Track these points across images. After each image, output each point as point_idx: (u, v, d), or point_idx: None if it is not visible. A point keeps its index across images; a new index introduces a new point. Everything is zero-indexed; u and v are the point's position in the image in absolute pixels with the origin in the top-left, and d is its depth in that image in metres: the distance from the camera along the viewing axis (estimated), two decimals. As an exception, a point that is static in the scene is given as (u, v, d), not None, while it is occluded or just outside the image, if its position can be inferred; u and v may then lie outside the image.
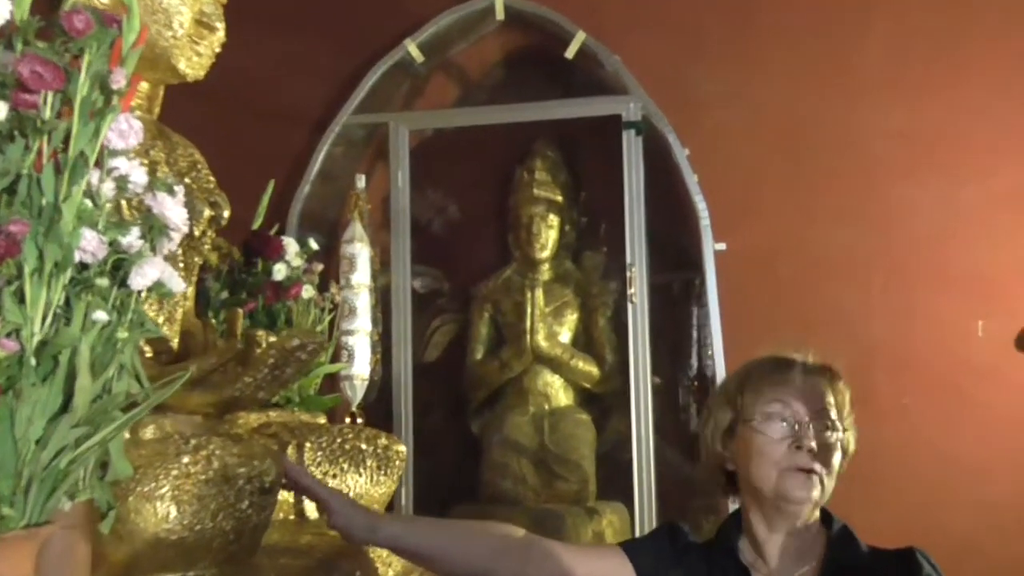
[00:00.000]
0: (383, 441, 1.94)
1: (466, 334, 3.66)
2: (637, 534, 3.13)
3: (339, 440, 1.88)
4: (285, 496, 1.79)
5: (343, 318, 2.51)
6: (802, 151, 3.43)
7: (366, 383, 2.55)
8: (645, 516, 3.13)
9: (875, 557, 1.55)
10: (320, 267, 2.57)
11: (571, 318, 3.56)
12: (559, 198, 3.58)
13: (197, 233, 1.79)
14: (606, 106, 3.35)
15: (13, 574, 1.05)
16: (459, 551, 1.52)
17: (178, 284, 1.25)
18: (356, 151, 3.67)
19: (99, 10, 1.15)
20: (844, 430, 1.54)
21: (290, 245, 2.51)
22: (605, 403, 3.54)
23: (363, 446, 1.90)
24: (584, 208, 3.65)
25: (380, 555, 1.75)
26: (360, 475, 1.88)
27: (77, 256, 1.13)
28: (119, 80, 1.11)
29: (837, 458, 1.53)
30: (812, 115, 3.43)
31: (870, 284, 3.37)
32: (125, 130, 1.18)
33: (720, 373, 3.20)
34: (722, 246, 3.28)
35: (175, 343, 1.82)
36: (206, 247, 1.89)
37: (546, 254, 3.56)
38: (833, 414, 1.54)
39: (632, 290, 3.23)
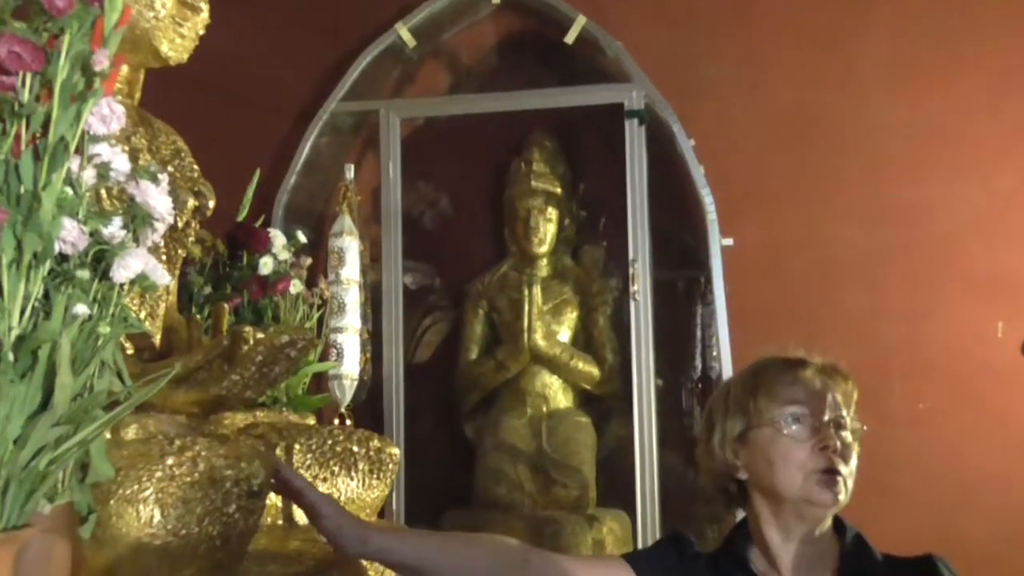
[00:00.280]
0: (376, 443, 1.94)
1: (459, 333, 3.66)
2: (639, 543, 3.14)
3: (330, 442, 1.88)
4: (273, 500, 1.79)
5: (332, 315, 2.51)
6: (813, 141, 3.43)
7: (355, 383, 2.55)
8: (647, 524, 3.14)
9: (891, 565, 1.55)
10: (308, 261, 2.57)
11: (570, 316, 3.56)
12: (558, 190, 3.58)
13: (181, 224, 1.79)
14: (607, 94, 3.35)
15: (-10, 580, 1.05)
16: (453, 566, 1.52)
17: (163, 277, 1.25)
18: (345, 140, 3.67)
19: (81, -12, 1.15)
20: (859, 432, 1.55)
21: (277, 238, 2.51)
22: (606, 405, 3.54)
23: (355, 448, 1.90)
24: (584, 201, 3.65)
25: (374, 564, 1.75)
26: (352, 479, 1.88)
27: (57, 247, 1.13)
28: (102, 62, 1.11)
29: (855, 460, 1.54)
30: (823, 104, 3.44)
31: (884, 282, 3.38)
32: (107, 115, 1.18)
33: (726, 374, 3.20)
34: (729, 241, 3.28)
35: (158, 339, 1.82)
36: (190, 239, 1.89)
37: (544, 249, 3.56)
38: (847, 413, 1.55)
39: (634, 287, 3.23)
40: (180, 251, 1.88)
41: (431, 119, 3.69)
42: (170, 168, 1.80)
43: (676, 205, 3.39)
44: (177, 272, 1.94)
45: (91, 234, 1.17)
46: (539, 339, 3.41)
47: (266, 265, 2.48)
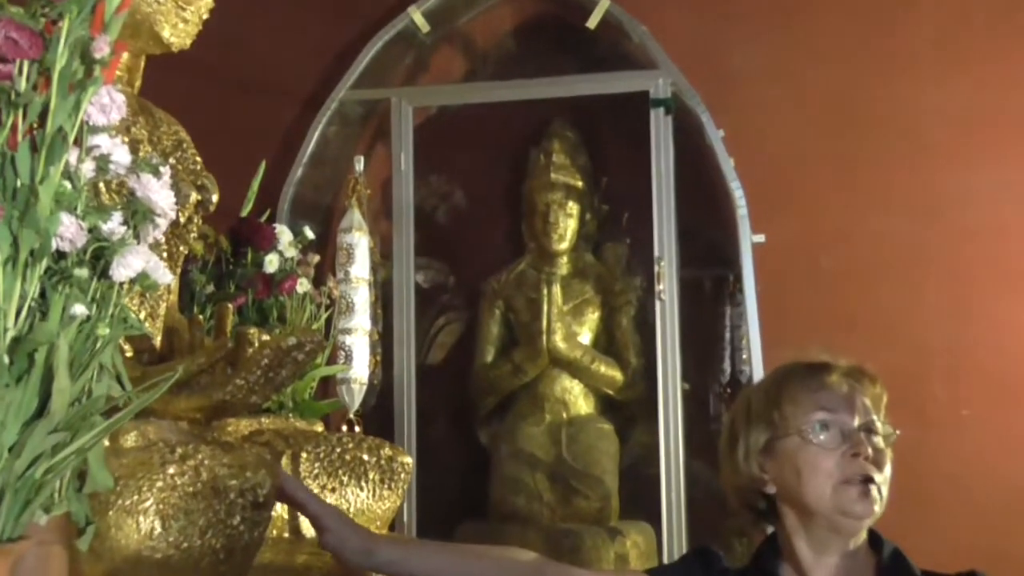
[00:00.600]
0: (387, 451, 1.95)
1: (474, 334, 3.65)
2: (664, 557, 3.13)
3: (338, 450, 1.88)
4: (279, 512, 1.79)
5: (340, 315, 2.52)
6: (852, 129, 3.41)
7: (364, 387, 2.56)
8: (673, 537, 3.13)
9: (932, 582, 1.55)
10: (316, 258, 2.57)
11: (592, 317, 3.56)
12: (579, 183, 3.57)
13: (183, 219, 1.80)
14: (632, 82, 3.34)
15: (-16, 595, 1.06)
16: None
17: (164, 276, 1.26)
18: (354, 130, 3.67)
19: (80, -30, 1.15)
20: (891, 437, 1.55)
21: (283, 234, 2.51)
22: (629, 411, 3.53)
23: (365, 457, 1.90)
24: (606, 195, 3.65)
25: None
26: (362, 489, 1.88)
27: (54, 244, 1.14)
28: (102, 48, 1.11)
29: (889, 467, 1.53)
30: (860, 92, 3.42)
31: (924, 281, 3.36)
32: (107, 104, 1.18)
33: (757, 378, 3.19)
34: (760, 238, 3.27)
35: (158, 341, 1.83)
36: (192, 235, 1.90)
37: (564, 246, 3.55)
38: (878, 418, 1.54)
39: (660, 286, 3.23)
40: (182, 248, 1.89)
41: (445, 108, 3.69)
42: (172, 160, 1.81)
43: (704, 199, 3.37)
44: (178, 270, 1.95)
45: (90, 230, 1.17)
46: (559, 341, 3.41)
47: (271, 263, 2.49)
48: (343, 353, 2.50)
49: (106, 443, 1.31)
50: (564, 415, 3.46)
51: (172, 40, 1.83)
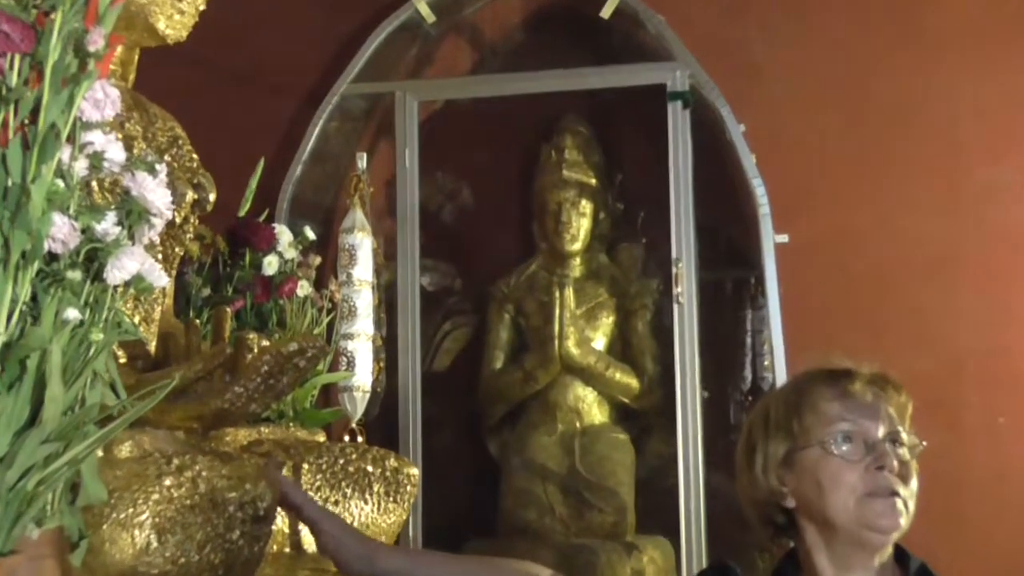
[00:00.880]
0: (392, 463, 1.95)
1: (483, 340, 3.65)
2: (683, 573, 3.13)
3: (341, 461, 1.89)
4: (280, 526, 1.80)
5: (342, 320, 2.52)
6: (877, 126, 3.41)
7: (367, 395, 2.56)
8: (692, 552, 3.13)
9: (963, 601, 1.55)
10: (317, 260, 2.58)
11: (606, 321, 3.56)
12: (592, 181, 3.57)
13: (179, 220, 1.81)
14: (648, 74, 3.34)
15: (-27, 611, 1.06)
16: None
17: (160, 278, 1.26)
18: (356, 126, 3.68)
19: (72, -40, 1.16)
20: (917, 448, 1.55)
21: (283, 234, 2.52)
22: (646, 421, 3.53)
23: (369, 468, 1.91)
24: (621, 193, 3.65)
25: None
26: (366, 502, 1.89)
27: (46, 245, 1.14)
28: (96, 41, 1.12)
29: (915, 479, 1.53)
30: (888, 83, 3.42)
31: (957, 282, 3.36)
32: (101, 99, 1.19)
33: (780, 385, 3.19)
34: (783, 238, 3.27)
35: (153, 347, 1.84)
36: (188, 236, 1.90)
37: (577, 246, 3.56)
38: (902, 429, 1.54)
39: (678, 289, 3.23)
40: (177, 249, 1.90)
41: (452, 102, 3.69)
42: (167, 157, 1.82)
43: (724, 198, 3.37)
44: (174, 273, 1.95)
45: (83, 231, 1.18)
46: (571, 347, 3.41)
47: (271, 265, 2.50)
48: (345, 359, 2.51)
49: (100, 453, 1.32)
50: (577, 424, 3.46)
51: (167, 32, 1.84)
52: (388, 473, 1.95)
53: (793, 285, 3.29)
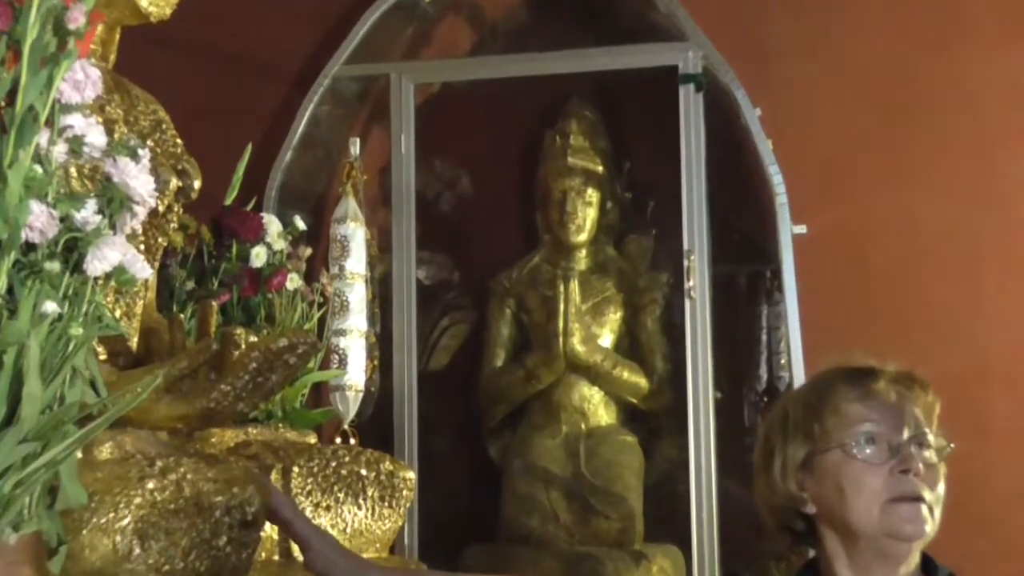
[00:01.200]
0: (387, 466, 1.96)
1: (482, 336, 3.66)
2: (694, 584, 3.14)
3: (333, 464, 1.89)
4: (269, 532, 1.80)
5: (334, 315, 2.53)
6: (901, 110, 3.41)
7: (360, 395, 2.57)
8: (704, 562, 3.14)
9: (994, 612, 1.56)
10: (307, 252, 2.58)
11: (613, 317, 3.56)
12: (599, 168, 3.58)
13: (162, 208, 1.81)
14: (658, 55, 3.35)
15: (-53, 620, 1.07)
16: None
17: (143, 270, 1.27)
18: (349, 110, 3.68)
19: (51, -67, 1.16)
20: (944, 450, 1.55)
21: (271, 224, 2.53)
22: (655, 422, 3.54)
23: (363, 471, 1.91)
24: (630, 181, 3.65)
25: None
26: (359, 507, 1.89)
27: (23, 235, 1.15)
28: (77, 19, 1.12)
29: (942, 484, 1.54)
30: (913, 65, 3.42)
31: (984, 276, 3.36)
32: (81, 80, 1.19)
33: (796, 386, 3.19)
34: (801, 229, 3.27)
35: (135, 343, 1.84)
36: (172, 226, 1.91)
37: (583, 238, 3.56)
38: (929, 431, 1.55)
39: (690, 283, 3.23)
40: (161, 240, 1.90)
41: (450, 85, 3.69)
42: (150, 142, 1.82)
43: (739, 186, 3.38)
44: (157, 264, 1.96)
45: (62, 220, 1.18)
46: (576, 344, 3.41)
47: (259, 256, 2.50)
48: (337, 357, 2.51)
49: (79, 455, 1.33)
50: (582, 426, 3.47)
51: (151, 10, 1.84)
52: (383, 477, 1.96)
53: (811, 279, 3.29)
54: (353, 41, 3.50)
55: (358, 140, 2.80)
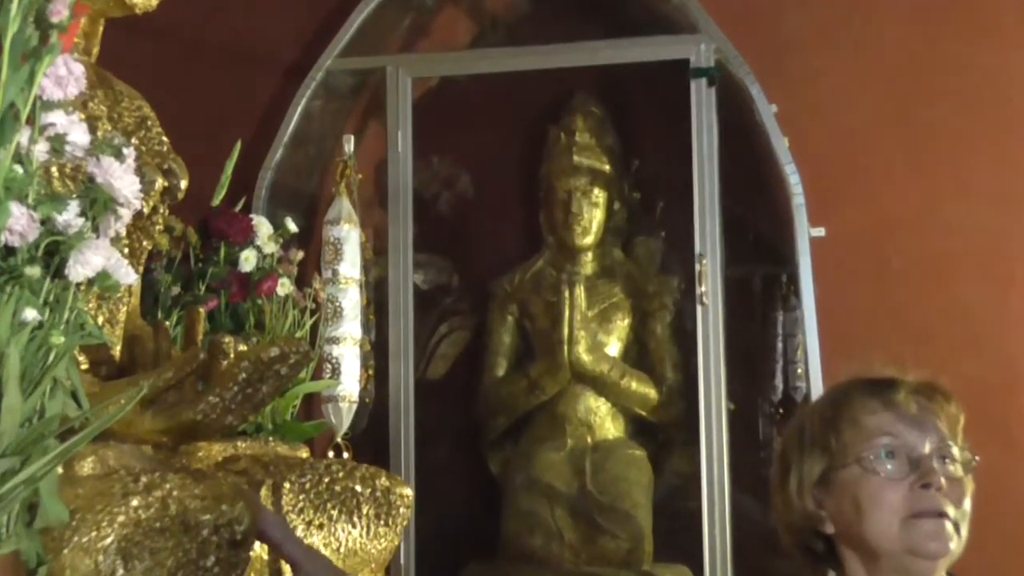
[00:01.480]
0: (383, 482, 1.96)
1: (483, 344, 3.66)
2: (706, 606, 3.14)
3: (327, 480, 1.89)
4: (258, 552, 1.80)
5: (326, 322, 2.53)
6: (923, 106, 3.41)
7: (355, 406, 2.58)
8: (717, 582, 3.14)
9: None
10: (299, 255, 2.59)
11: (621, 324, 3.56)
12: (606, 167, 3.58)
13: (147, 210, 1.81)
14: (669, 48, 3.35)
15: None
16: None
17: (127, 275, 1.27)
18: (342, 105, 3.68)
19: (32, -78, 1.17)
20: (970, 463, 1.55)
21: (261, 226, 2.53)
22: (665, 435, 3.54)
23: (358, 488, 1.91)
24: (638, 181, 3.65)
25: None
26: (354, 526, 1.89)
27: (2, 238, 1.15)
28: (60, 12, 1.13)
29: (968, 499, 1.54)
30: (936, 59, 3.42)
31: (1011, 280, 3.36)
32: (64, 76, 1.20)
33: (815, 397, 3.19)
34: (820, 231, 3.27)
35: (118, 351, 1.84)
36: (157, 228, 1.91)
37: (588, 240, 3.56)
38: (953, 443, 1.55)
39: (702, 288, 3.23)
40: (145, 243, 1.91)
41: (449, 79, 3.69)
42: (134, 140, 1.82)
43: (754, 186, 3.37)
44: (141, 269, 1.96)
45: (43, 222, 1.19)
46: (582, 353, 3.41)
47: (248, 260, 2.50)
48: (330, 366, 2.52)
49: (60, 470, 1.33)
50: (588, 439, 3.47)
51: (136, 1, 1.84)
52: (378, 493, 1.96)
53: (830, 283, 3.29)
54: (348, 32, 3.50)
55: (353, 137, 2.81)
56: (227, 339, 1.73)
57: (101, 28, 1.90)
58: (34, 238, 1.17)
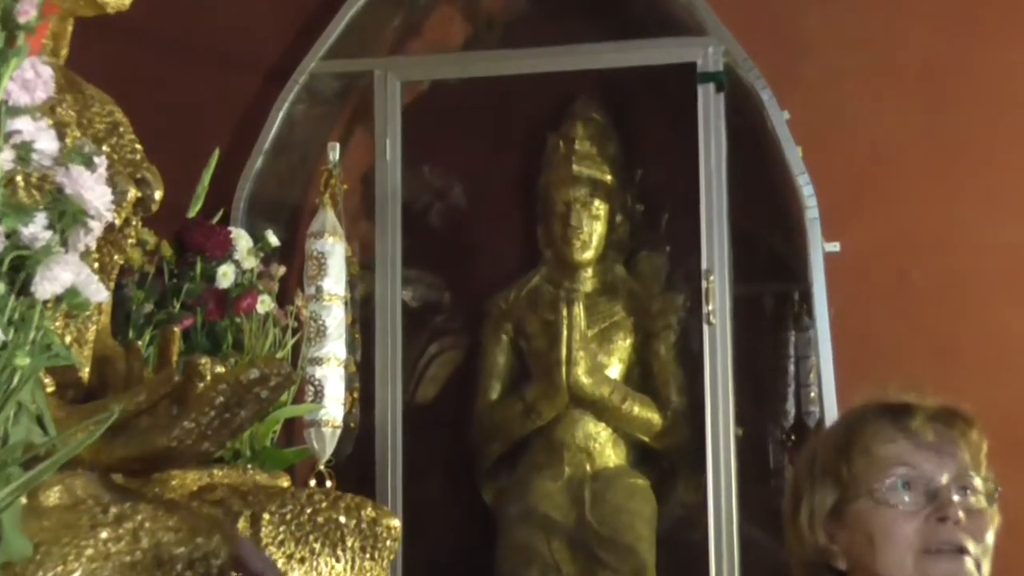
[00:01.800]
0: (369, 513, 1.95)
1: (476, 366, 3.66)
2: (714, 646, 3.13)
3: (309, 510, 1.89)
4: (236, 587, 1.80)
5: (309, 341, 2.53)
6: (948, 113, 3.42)
7: (339, 432, 2.57)
8: (725, 621, 3.14)
9: None
10: (281, 270, 2.58)
11: (623, 344, 3.56)
12: (607, 178, 3.58)
13: (119, 222, 1.81)
14: (675, 51, 3.36)
15: None
16: None
17: (98, 292, 1.27)
18: (327, 111, 3.69)
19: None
20: (993, 494, 1.55)
21: (240, 239, 2.53)
22: (669, 463, 3.54)
23: (342, 519, 1.90)
24: (642, 192, 3.66)
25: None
26: (338, 559, 1.89)
27: (-36, 252, 1.15)
28: (27, 11, 1.13)
29: (991, 533, 1.54)
30: (961, 62, 3.43)
31: (1045, 298, 3.37)
32: (31, 80, 1.20)
33: (829, 423, 3.19)
34: (835, 247, 3.27)
35: (86, 373, 1.84)
36: (129, 241, 1.90)
37: (589, 255, 3.56)
38: (975, 473, 1.55)
39: (709, 306, 3.23)
40: (117, 257, 1.90)
41: (441, 83, 3.70)
42: (106, 148, 1.82)
43: (765, 198, 3.38)
44: (112, 285, 1.95)
45: (7, 236, 1.18)
46: (581, 375, 3.41)
47: (226, 275, 2.50)
48: (313, 388, 2.52)
49: (24, 500, 1.32)
50: (588, 467, 3.46)
51: (108, 0, 1.84)
52: (364, 525, 1.95)
53: (845, 302, 3.30)
54: (333, 33, 3.50)
55: (338, 144, 2.81)
56: (203, 360, 1.72)
57: (70, 28, 1.90)
58: (-2, 252, 1.17)
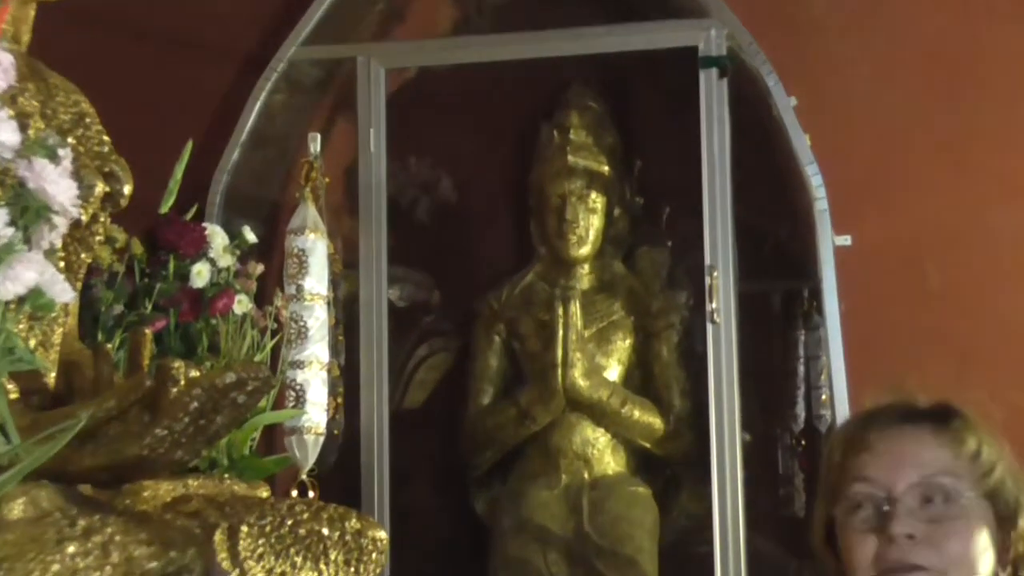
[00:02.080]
0: (354, 524, 1.95)
1: (467, 368, 3.67)
2: (720, 663, 3.14)
3: (290, 522, 1.88)
4: (212, 604, 1.80)
5: (289, 344, 2.53)
6: (964, 99, 3.43)
7: (321, 439, 2.57)
8: (732, 636, 3.14)
9: None
10: (259, 268, 2.58)
11: (622, 345, 3.57)
12: (604, 169, 3.59)
13: (86, 218, 1.81)
14: (675, 34, 3.36)
15: None
16: None
17: (64, 292, 1.27)
18: (307, 100, 3.69)
19: None
20: (974, 494, 1.55)
21: (215, 236, 2.53)
22: (672, 471, 3.55)
23: (325, 531, 1.90)
24: (641, 184, 3.66)
25: None
26: (321, 573, 1.88)
27: (-78, 251, 1.15)
28: (-15, -5, 1.13)
29: (965, 542, 1.54)
30: (978, 47, 3.44)
31: (1064, 296, 3.38)
32: (-10, 68, 1.20)
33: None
34: (846, 240, 3.28)
35: (52, 378, 1.83)
36: (97, 239, 1.90)
37: (585, 251, 3.57)
38: (946, 475, 1.55)
39: (713, 304, 3.23)
40: (84, 256, 1.90)
41: (428, 70, 3.70)
42: (71, 140, 1.82)
43: (771, 189, 3.39)
44: (80, 285, 1.95)
45: (-33, 234, 1.18)
46: (578, 377, 3.42)
47: (200, 274, 2.50)
48: (294, 393, 2.51)
49: (-13, 513, 1.32)
50: (585, 475, 3.47)
51: (72, -18, 1.85)
52: (348, 537, 1.95)
53: (857, 299, 3.30)
54: (313, 18, 3.50)
55: (319, 136, 2.80)
56: (177, 364, 1.72)
57: (33, 13, 1.90)
58: (-43, 251, 1.17)
